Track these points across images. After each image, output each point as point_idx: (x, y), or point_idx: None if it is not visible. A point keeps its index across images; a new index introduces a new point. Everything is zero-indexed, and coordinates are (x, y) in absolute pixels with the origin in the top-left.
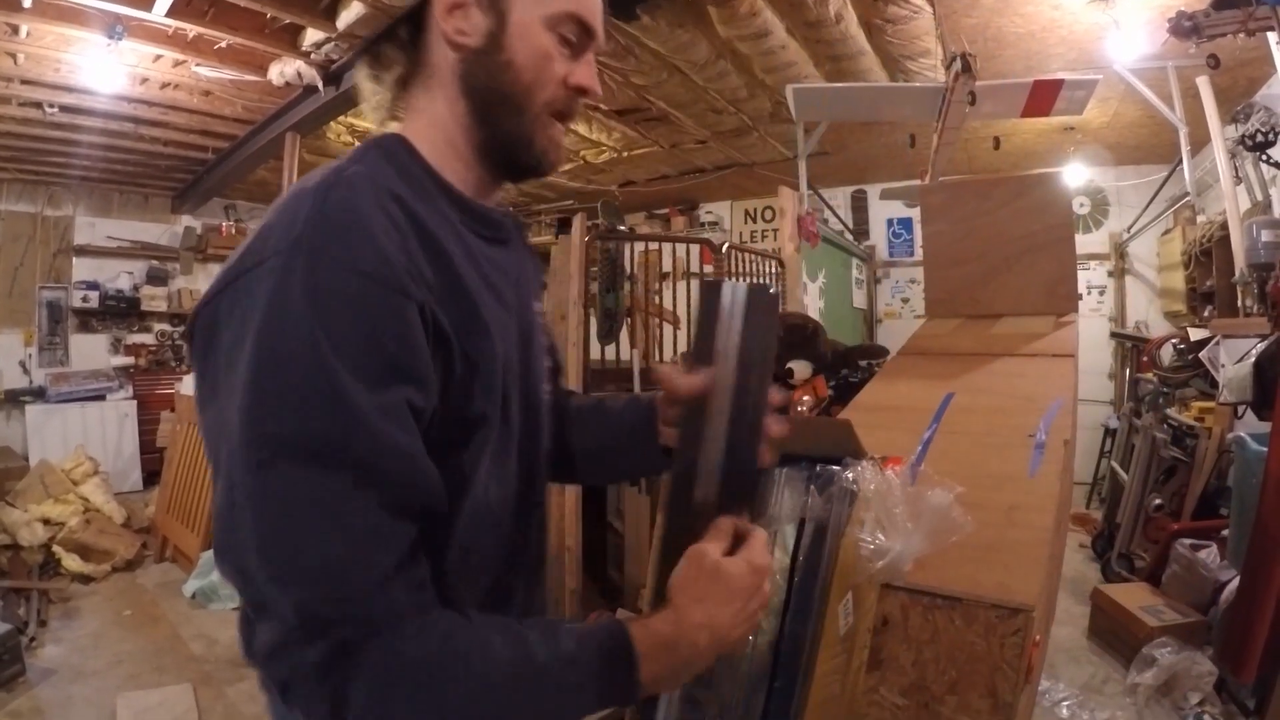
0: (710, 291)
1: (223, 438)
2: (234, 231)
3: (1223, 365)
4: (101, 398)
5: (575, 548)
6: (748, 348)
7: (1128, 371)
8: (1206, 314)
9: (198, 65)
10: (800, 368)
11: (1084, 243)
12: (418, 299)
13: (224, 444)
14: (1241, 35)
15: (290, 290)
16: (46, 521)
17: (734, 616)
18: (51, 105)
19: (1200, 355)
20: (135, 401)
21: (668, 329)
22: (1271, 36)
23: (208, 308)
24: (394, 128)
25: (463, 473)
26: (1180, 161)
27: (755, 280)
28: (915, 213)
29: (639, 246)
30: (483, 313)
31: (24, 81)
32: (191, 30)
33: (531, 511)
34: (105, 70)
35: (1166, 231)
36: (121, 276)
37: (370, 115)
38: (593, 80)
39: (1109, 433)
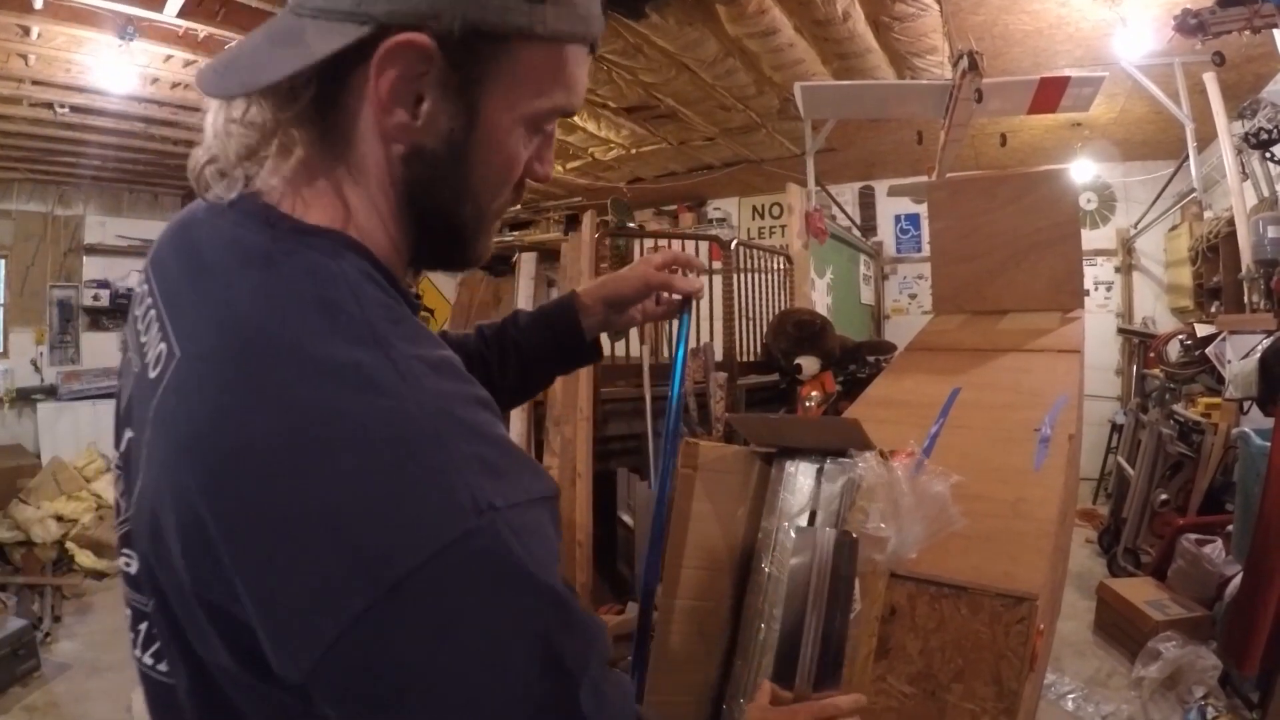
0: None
1: None
2: None
3: (1229, 361)
4: (113, 395)
5: (586, 542)
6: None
7: (1134, 367)
8: (1213, 310)
9: None
10: (809, 363)
11: (1091, 238)
12: None
13: None
14: (1247, 32)
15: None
16: (60, 518)
17: None
18: (62, 105)
19: (1206, 351)
20: None
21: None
22: (1277, 33)
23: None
24: (282, 197)
25: None
26: (1187, 157)
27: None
28: (923, 209)
29: (648, 243)
30: None
31: (35, 82)
32: (202, 30)
33: None
34: (116, 71)
35: (1173, 227)
36: (132, 275)
37: (214, 181)
38: (551, 167)
39: (1116, 428)
